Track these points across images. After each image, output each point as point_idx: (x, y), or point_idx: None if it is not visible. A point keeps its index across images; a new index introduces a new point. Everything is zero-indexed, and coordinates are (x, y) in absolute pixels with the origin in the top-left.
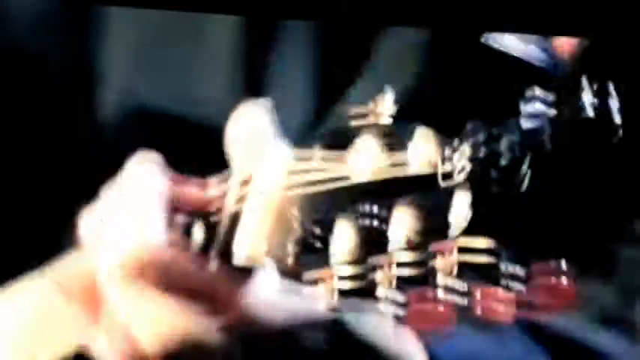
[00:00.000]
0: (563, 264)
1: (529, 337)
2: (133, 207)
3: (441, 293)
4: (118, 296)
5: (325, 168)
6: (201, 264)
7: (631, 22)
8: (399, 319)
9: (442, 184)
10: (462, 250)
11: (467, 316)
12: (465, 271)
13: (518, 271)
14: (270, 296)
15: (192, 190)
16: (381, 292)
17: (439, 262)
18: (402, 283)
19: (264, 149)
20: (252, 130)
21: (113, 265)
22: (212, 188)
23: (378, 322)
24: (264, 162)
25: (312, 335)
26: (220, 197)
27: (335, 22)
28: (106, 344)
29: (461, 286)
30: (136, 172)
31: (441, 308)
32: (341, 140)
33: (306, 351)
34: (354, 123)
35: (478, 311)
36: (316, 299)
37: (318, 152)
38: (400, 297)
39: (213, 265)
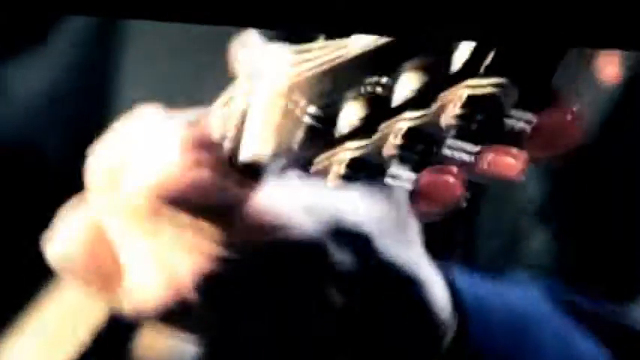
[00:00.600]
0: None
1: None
2: (146, 133)
3: (447, 156)
4: (139, 231)
5: (326, 52)
6: (218, 180)
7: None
8: (408, 194)
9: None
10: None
11: (474, 173)
12: (469, 130)
13: (526, 115)
14: (291, 205)
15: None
16: (388, 167)
17: (444, 117)
18: (408, 151)
19: (264, 53)
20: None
21: (132, 199)
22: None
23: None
24: (265, 59)
25: (339, 250)
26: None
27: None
28: (133, 295)
29: (469, 145)
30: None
31: (451, 179)
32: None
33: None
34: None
35: (485, 167)
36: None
37: (318, 42)
38: (409, 174)
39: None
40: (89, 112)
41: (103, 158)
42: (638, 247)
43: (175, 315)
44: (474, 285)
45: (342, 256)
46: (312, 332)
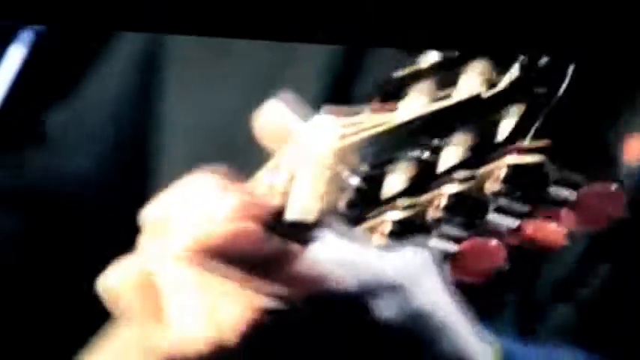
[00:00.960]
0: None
1: None
2: (200, 195)
3: (492, 222)
4: (187, 280)
5: (375, 118)
6: (265, 236)
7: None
8: (451, 257)
9: (486, 104)
10: (512, 169)
11: (518, 240)
12: (515, 197)
13: (567, 193)
14: (334, 261)
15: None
16: (433, 229)
17: (488, 186)
18: (453, 215)
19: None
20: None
21: (182, 250)
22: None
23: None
24: (311, 127)
25: (378, 302)
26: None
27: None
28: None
29: (510, 219)
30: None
31: (494, 243)
32: (391, 91)
33: (372, 320)
34: (400, 81)
35: (529, 235)
36: (379, 261)
37: (367, 107)
38: (453, 232)
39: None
40: (134, 159)
41: (158, 209)
42: None
43: None
44: (518, 348)
45: (381, 309)
46: None
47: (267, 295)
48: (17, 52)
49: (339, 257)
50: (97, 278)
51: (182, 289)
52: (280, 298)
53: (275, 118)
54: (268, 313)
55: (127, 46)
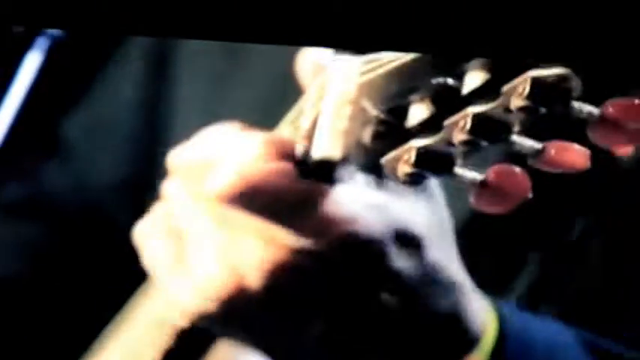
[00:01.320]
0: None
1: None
2: (228, 139)
3: (516, 143)
4: (214, 224)
5: (395, 58)
6: (296, 175)
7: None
8: (477, 184)
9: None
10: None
11: (541, 164)
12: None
13: (591, 109)
14: (360, 205)
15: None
16: (459, 157)
17: (513, 103)
18: (478, 136)
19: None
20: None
21: (216, 192)
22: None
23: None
24: (334, 67)
25: (396, 251)
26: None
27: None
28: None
29: (534, 142)
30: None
31: (519, 171)
32: None
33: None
34: None
35: (552, 158)
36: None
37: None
38: (477, 173)
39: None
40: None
41: (187, 153)
42: None
43: (234, 312)
44: (517, 313)
45: (399, 259)
46: (357, 329)
47: (294, 236)
48: (34, 60)
49: (365, 201)
50: (117, 285)
51: (209, 232)
52: (307, 239)
53: (312, 58)
54: (292, 254)
55: (138, 48)
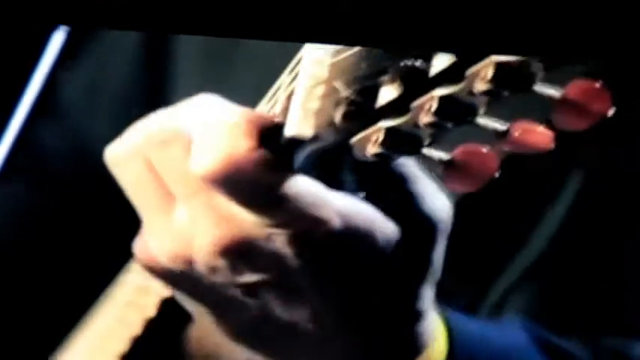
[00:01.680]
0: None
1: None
2: (206, 112)
3: (481, 124)
4: (188, 199)
5: None
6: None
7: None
8: (444, 164)
9: None
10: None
11: (507, 144)
12: (503, 86)
13: (553, 90)
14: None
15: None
16: (426, 137)
17: (476, 87)
18: (444, 118)
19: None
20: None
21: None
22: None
23: None
24: (307, 48)
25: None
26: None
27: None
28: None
29: (499, 122)
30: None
31: (486, 150)
32: None
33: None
34: None
35: (517, 138)
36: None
37: None
38: (444, 152)
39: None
40: None
41: (165, 119)
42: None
43: (178, 280)
44: (467, 322)
45: (356, 254)
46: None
47: (260, 222)
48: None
49: (331, 196)
50: (114, 253)
51: (182, 198)
52: (268, 226)
53: None
54: (242, 242)
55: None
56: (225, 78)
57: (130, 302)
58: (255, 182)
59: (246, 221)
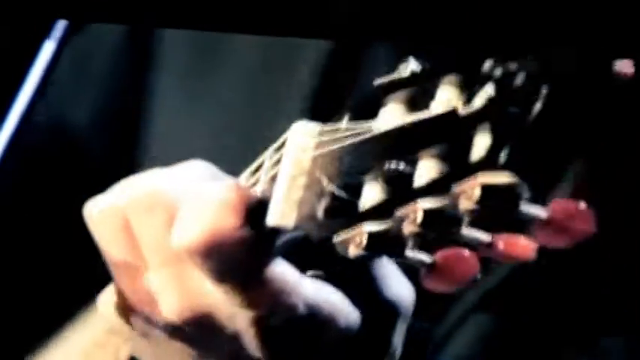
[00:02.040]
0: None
1: None
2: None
3: (465, 236)
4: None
5: (352, 132)
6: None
7: None
8: (426, 267)
9: (462, 121)
10: (485, 189)
11: (489, 254)
12: (487, 214)
13: (538, 211)
14: (299, 282)
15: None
16: (409, 241)
17: (462, 204)
18: (429, 229)
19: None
20: None
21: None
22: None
23: None
24: (292, 132)
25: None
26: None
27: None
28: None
29: (483, 234)
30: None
31: (467, 253)
32: (367, 112)
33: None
34: (379, 92)
35: (500, 249)
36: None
37: (344, 124)
38: (426, 255)
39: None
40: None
41: (153, 183)
42: None
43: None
44: None
45: (316, 339)
46: None
47: (221, 299)
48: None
49: (303, 283)
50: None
51: (155, 261)
52: (235, 305)
53: None
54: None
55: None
56: (208, 75)
57: (98, 343)
58: (234, 261)
59: (214, 297)
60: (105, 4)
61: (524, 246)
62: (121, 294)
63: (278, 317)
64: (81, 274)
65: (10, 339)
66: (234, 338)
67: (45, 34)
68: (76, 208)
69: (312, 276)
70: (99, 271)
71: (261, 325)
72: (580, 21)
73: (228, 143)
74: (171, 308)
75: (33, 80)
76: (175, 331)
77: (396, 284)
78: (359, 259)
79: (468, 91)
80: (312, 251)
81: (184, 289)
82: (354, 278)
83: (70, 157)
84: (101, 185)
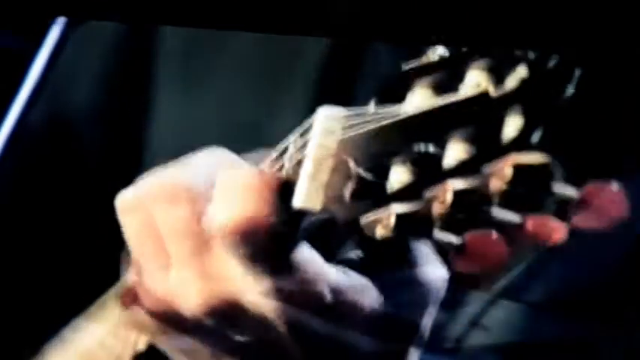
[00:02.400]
0: (615, 183)
1: None
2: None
3: (495, 216)
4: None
5: (379, 116)
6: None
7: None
8: (455, 249)
9: (494, 102)
10: (517, 169)
11: (519, 237)
12: (518, 194)
13: (571, 191)
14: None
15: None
16: (437, 223)
17: (493, 185)
18: (458, 210)
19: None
20: None
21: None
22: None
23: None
24: (318, 116)
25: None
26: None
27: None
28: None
29: (513, 214)
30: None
31: (496, 236)
32: (394, 95)
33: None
34: (406, 75)
35: (530, 231)
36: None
37: (371, 107)
38: (455, 237)
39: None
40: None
41: (172, 177)
42: None
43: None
44: None
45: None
46: None
47: (248, 288)
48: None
49: (328, 271)
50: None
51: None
52: (261, 293)
53: None
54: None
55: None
56: (208, 72)
57: (103, 344)
58: (265, 245)
59: (240, 284)
60: (103, 2)
61: (554, 228)
62: (134, 289)
63: (303, 305)
64: (84, 271)
65: (10, 338)
66: (259, 326)
67: (43, 31)
68: (76, 205)
69: (351, 257)
70: (104, 266)
71: (286, 313)
72: (614, 11)
73: (230, 135)
74: (196, 298)
75: (32, 77)
76: (197, 328)
77: (428, 267)
78: (388, 241)
79: (499, 73)
80: (338, 235)
81: (209, 278)
82: (386, 260)
83: (72, 152)
84: (104, 181)
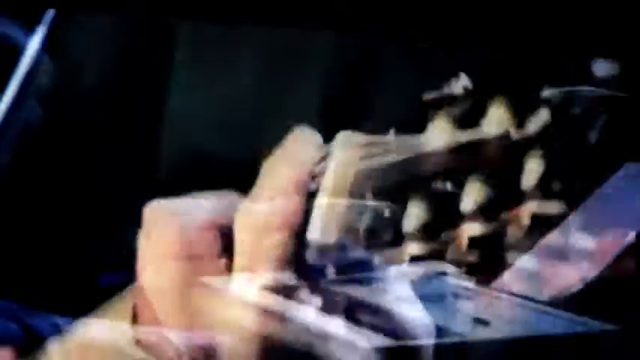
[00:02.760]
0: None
1: None
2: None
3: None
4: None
5: (399, 147)
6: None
7: None
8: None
9: (515, 146)
10: (535, 218)
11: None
12: (538, 237)
13: (588, 243)
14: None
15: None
16: (451, 269)
17: (510, 231)
18: (475, 252)
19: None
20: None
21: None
22: None
23: None
24: (337, 143)
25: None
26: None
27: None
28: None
29: (531, 264)
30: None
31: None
32: (414, 126)
33: None
34: (427, 107)
35: (544, 289)
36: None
37: (391, 136)
38: (469, 282)
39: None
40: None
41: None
42: None
43: None
44: None
45: None
46: None
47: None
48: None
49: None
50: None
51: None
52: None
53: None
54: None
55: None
56: (220, 68)
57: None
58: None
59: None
60: None
61: (571, 276)
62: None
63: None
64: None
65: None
66: None
67: (34, 22)
68: (76, 203)
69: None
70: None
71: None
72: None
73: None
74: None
75: (22, 68)
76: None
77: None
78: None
79: (521, 113)
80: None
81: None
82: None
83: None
84: (112, 173)
